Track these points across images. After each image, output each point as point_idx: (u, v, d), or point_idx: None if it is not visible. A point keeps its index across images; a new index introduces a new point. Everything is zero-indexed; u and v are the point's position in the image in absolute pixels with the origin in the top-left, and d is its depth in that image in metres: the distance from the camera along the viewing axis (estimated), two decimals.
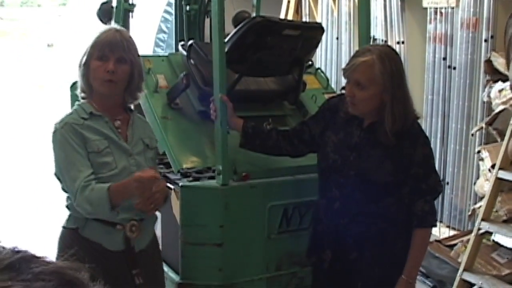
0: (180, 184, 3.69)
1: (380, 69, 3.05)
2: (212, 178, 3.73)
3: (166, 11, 10.78)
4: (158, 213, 3.98)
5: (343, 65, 3.38)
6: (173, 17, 5.33)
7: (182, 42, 4.56)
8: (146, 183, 2.89)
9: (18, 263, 0.69)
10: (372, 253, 3.25)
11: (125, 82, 3.06)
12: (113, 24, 5.02)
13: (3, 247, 0.73)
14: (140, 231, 3.10)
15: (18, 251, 0.72)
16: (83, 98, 3.11)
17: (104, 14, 5.15)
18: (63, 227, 3.12)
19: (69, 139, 2.94)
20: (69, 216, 3.11)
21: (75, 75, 3.14)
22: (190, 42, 4.21)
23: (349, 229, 3.26)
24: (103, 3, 5.24)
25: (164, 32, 10.88)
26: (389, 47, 3.36)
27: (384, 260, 3.25)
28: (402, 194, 3.20)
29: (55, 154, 3.01)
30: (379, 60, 3.06)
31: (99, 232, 3.02)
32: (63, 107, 3.18)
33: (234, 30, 3.81)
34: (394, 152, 3.15)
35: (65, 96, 4.59)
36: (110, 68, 2.96)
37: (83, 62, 3.01)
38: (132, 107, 3.24)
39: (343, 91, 3.35)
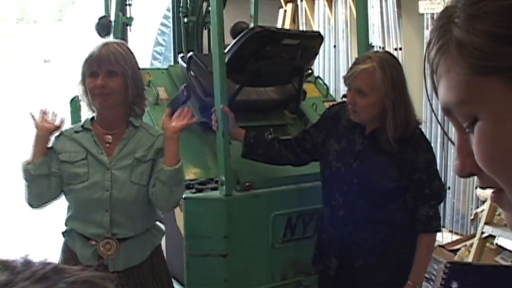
0: (183, 196, 3.69)
1: (381, 76, 3.06)
2: (215, 189, 3.73)
3: (162, 24, 10.81)
4: (161, 225, 3.99)
5: (341, 73, 3.40)
6: (170, 29, 5.35)
7: (182, 54, 4.57)
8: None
9: (51, 274, 0.70)
10: (378, 259, 3.25)
11: (121, 94, 3.06)
12: (110, 38, 5.08)
13: (33, 260, 0.74)
14: (117, 251, 3.07)
15: (49, 263, 0.73)
16: (88, 111, 3.20)
17: (103, 28, 5.17)
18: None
19: (53, 145, 3.13)
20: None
21: (73, 90, 3.23)
22: (190, 54, 4.22)
23: (354, 236, 3.26)
24: (101, 17, 5.26)
25: (161, 45, 10.91)
26: (390, 54, 3.36)
27: (390, 266, 3.25)
28: (406, 200, 3.20)
29: None
30: (379, 67, 3.07)
31: (76, 242, 3.11)
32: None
33: (234, 41, 3.82)
34: (397, 158, 3.15)
35: (63, 111, 4.61)
36: (99, 84, 3.00)
37: (79, 81, 3.09)
38: (137, 124, 3.21)
39: (344, 99, 3.36)
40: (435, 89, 0.89)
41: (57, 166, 3.08)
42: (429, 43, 0.87)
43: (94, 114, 3.16)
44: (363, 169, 3.20)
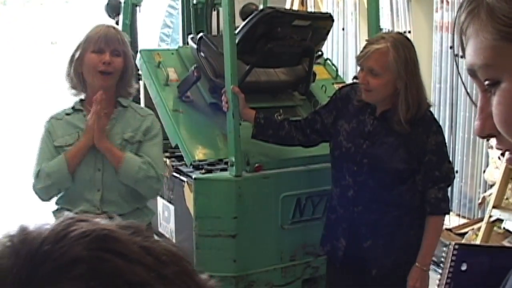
0: (193, 176, 3.70)
1: (394, 56, 3.05)
2: (224, 170, 3.75)
3: (170, 6, 10.78)
4: (170, 206, 4.00)
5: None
6: (178, 11, 5.35)
7: (191, 35, 4.57)
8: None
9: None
10: (386, 240, 3.26)
11: (119, 74, 3.12)
12: (120, 19, 5.07)
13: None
14: None
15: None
16: (74, 95, 3.18)
17: (113, 9, 5.18)
18: None
19: (45, 133, 3.12)
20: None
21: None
22: (200, 34, 4.21)
23: (363, 217, 3.26)
24: None
25: (169, 27, 10.88)
26: (403, 35, 3.35)
27: (398, 248, 3.27)
28: (415, 181, 3.21)
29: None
30: (393, 48, 3.06)
31: None
32: (66, 104, 3.25)
33: (245, 22, 3.82)
34: (407, 139, 3.16)
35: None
36: (107, 60, 3.03)
37: (76, 57, 3.07)
38: (125, 104, 3.23)
39: (355, 80, 3.35)
40: (463, 49, 0.90)
41: (55, 154, 3.09)
42: (460, 6, 0.89)
43: (81, 96, 3.18)
44: (373, 150, 3.21)
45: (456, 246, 1.82)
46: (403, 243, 3.27)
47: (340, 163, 3.34)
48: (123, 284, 0.60)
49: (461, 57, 0.92)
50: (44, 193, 3.09)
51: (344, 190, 3.31)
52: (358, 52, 3.25)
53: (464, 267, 1.79)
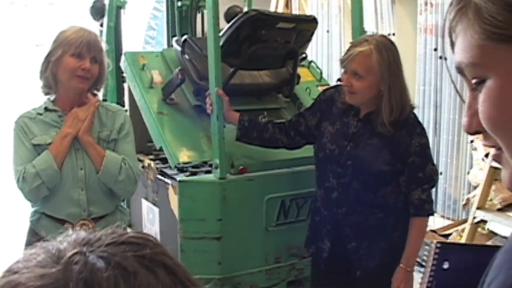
0: (178, 179, 3.70)
1: (378, 59, 3.07)
2: (209, 172, 3.76)
3: (155, 8, 10.77)
4: (155, 208, 4.00)
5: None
6: (163, 13, 5.34)
7: (176, 38, 4.57)
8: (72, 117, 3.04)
9: None
10: (370, 242, 3.27)
11: (94, 80, 3.12)
12: (104, 21, 5.05)
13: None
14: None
15: None
16: (45, 93, 3.16)
17: (97, 11, 5.17)
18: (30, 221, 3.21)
19: (18, 132, 3.06)
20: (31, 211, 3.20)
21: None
22: (185, 37, 4.21)
23: (347, 218, 3.28)
24: (95, 1, 5.25)
25: (154, 29, 10.86)
26: (386, 37, 3.37)
27: (382, 249, 3.28)
28: (399, 183, 3.22)
29: (12, 143, 3.10)
30: (376, 50, 3.08)
31: (49, 228, 3.06)
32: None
33: (229, 24, 3.82)
34: (391, 141, 3.17)
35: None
36: (87, 66, 3.02)
37: (54, 58, 3.03)
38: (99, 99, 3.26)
39: (339, 82, 3.37)
40: (452, 46, 0.92)
41: (34, 153, 3.05)
42: (450, 3, 0.91)
43: (51, 96, 3.15)
44: (357, 152, 3.22)
45: (438, 245, 1.84)
46: (387, 245, 3.28)
47: (324, 165, 3.35)
48: None
49: (445, 59, 0.94)
50: (34, 195, 3.04)
51: (328, 191, 3.32)
52: (343, 55, 3.26)
53: (446, 266, 1.80)
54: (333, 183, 3.29)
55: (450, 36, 0.92)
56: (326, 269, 3.40)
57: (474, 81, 0.89)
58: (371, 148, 3.20)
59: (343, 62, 3.19)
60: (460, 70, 0.91)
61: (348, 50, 3.20)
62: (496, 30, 0.83)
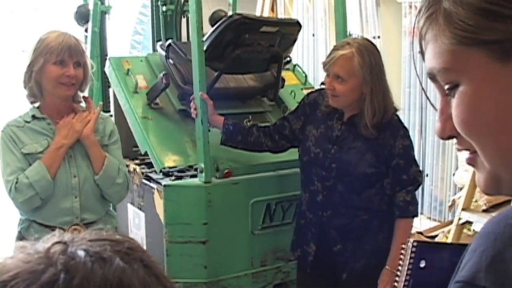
0: (163, 183, 3.70)
1: (359, 62, 3.09)
2: (194, 176, 3.76)
3: (141, 13, 10.75)
4: (141, 213, 4.00)
5: (320, 62, 3.42)
6: (149, 18, 5.34)
7: (160, 42, 4.57)
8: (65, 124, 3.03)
9: None
10: (356, 244, 3.28)
11: (79, 84, 3.10)
12: (89, 27, 5.04)
13: None
14: None
15: None
16: (31, 102, 3.13)
17: (81, 16, 5.15)
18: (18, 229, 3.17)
19: (7, 141, 3.01)
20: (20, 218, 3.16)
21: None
22: (169, 41, 4.21)
23: (332, 221, 3.29)
24: (80, 6, 5.24)
25: (140, 34, 10.85)
26: (368, 40, 3.38)
27: (368, 251, 3.29)
28: (384, 185, 3.24)
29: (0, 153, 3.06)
30: (358, 53, 3.10)
31: (39, 234, 3.01)
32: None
33: (213, 29, 3.82)
34: (375, 144, 3.19)
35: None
36: (71, 73, 3.00)
37: (37, 68, 2.99)
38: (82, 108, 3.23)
39: (323, 86, 3.38)
40: (422, 54, 0.93)
41: (24, 161, 3.02)
42: (419, 11, 0.92)
43: (36, 104, 3.12)
44: (341, 155, 3.23)
45: (415, 244, 1.85)
46: (372, 247, 3.29)
47: (308, 168, 3.36)
48: None
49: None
50: (26, 206, 3.00)
51: (313, 195, 3.33)
52: (326, 58, 3.28)
53: (423, 264, 1.82)
54: (318, 187, 3.30)
55: (420, 44, 0.94)
56: (312, 272, 3.41)
57: (447, 86, 0.90)
58: (355, 151, 3.22)
59: (326, 65, 3.21)
60: (432, 76, 0.92)
61: (330, 54, 3.22)
62: (467, 35, 0.84)
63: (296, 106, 3.62)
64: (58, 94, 3.05)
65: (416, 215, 3.33)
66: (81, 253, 0.76)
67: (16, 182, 2.94)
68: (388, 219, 3.26)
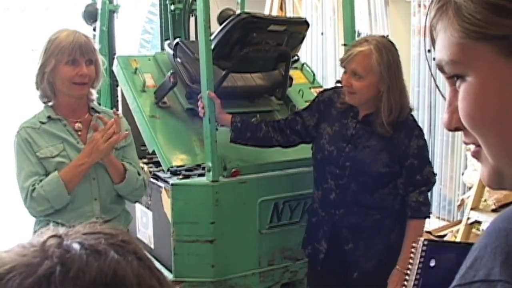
0: (170, 182, 3.70)
1: (377, 59, 3.08)
2: (202, 175, 3.76)
3: (150, 12, 10.77)
4: (148, 212, 4.00)
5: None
6: (158, 17, 5.34)
7: (168, 41, 4.57)
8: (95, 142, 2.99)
9: None
10: (367, 243, 3.28)
11: (91, 81, 3.10)
12: (97, 26, 5.04)
13: None
14: None
15: None
16: (44, 103, 3.11)
17: (89, 15, 5.16)
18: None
19: (22, 145, 2.98)
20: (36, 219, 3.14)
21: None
22: (176, 40, 4.21)
23: (344, 220, 3.28)
24: (88, 5, 5.25)
25: (149, 33, 10.86)
26: (387, 38, 3.37)
27: (379, 251, 3.28)
28: (397, 185, 3.23)
29: (14, 156, 3.03)
30: (376, 50, 3.09)
31: None
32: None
33: (220, 28, 3.82)
34: (389, 143, 3.18)
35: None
36: (84, 72, 2.99)
37: (49, 69, 2.98)
38: (99, 109, 3.24)
39: (338, 84, 3.38)
40: (433, 43, 0.94)
41: (39, 166, 3.00)
42: (431, 2, 0.92)
43: (50, 103, 3.10)
44: (356, 153, 3.23)
45: (425, 242, 1.84)
46: (384, 246, 3.29)
47: (322, 166, 3.36)
48: None
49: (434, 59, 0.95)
50: (41, 214, 3.00)
51: (326, 193, 3.33)
52: (337, 57, 3.27)
53: (432, 263, 1.81)
54: (331, 185, 3.30)
55: (431, 34, 0.94)
56: (323, 270, 3.41)
57: (454, 78, 0.91)
58: (369, 150, 3.21)
59: (343, 62, 3.20)
60: (440, 67, 0.93)
61: (348, 50, 3.22)
62: (475, 29, 0.85)
63: (309, 103, 3.61)
64: (72, 94, 3.05)
65: (428, 216, 3.33)
66: (76, 246, 0.78)
67: (33, 191, 2.92)
68: (400, 219, 3.25)
